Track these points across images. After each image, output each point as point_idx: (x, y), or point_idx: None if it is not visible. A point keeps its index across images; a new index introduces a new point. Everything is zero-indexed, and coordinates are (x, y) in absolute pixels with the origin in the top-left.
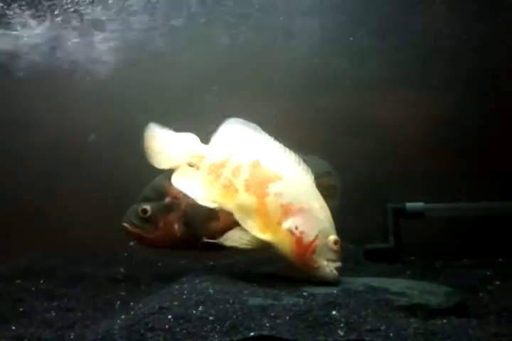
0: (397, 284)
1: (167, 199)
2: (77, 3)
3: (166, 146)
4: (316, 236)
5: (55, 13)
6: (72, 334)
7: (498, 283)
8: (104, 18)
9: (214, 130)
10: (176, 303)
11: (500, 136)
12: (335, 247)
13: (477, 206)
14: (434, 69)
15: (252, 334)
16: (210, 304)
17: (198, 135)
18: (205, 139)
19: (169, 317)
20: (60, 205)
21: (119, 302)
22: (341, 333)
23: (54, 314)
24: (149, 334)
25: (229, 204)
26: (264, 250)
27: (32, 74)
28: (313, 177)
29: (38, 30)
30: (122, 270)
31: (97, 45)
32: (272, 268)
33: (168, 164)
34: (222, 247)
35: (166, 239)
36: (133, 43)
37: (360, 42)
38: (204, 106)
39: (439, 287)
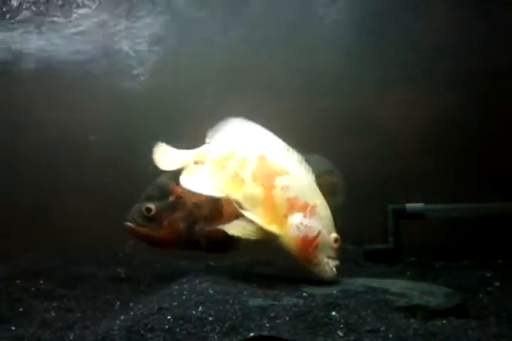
0: (396, 285)
1: (171, 198)
2: None
3: (171, 149)
4: (319, 232)
5: None
6: (72, 334)
7: (497, 284)
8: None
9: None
10: (175, 304)
11: (500, 137)
12: (335, 245)
13: (477, 207)
14: (434, 69)
15: (251, 334)
16: (209, 304)
17: None
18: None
19: (169, 317)
20: (60, 205)
21: (118, 303)
22: (341, 334)
23: (54, 314)
24: (149, 335)
25: (236, 194)
26: (265, 242)
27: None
28: (314, 176)
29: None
30: (122, 270)
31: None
32: (271, 268)
33: (174, 166)
34: (226, 249)
35: (171, 238)
36: None
37: (360, 42)
38: (203, 107)
39: (439, 288)
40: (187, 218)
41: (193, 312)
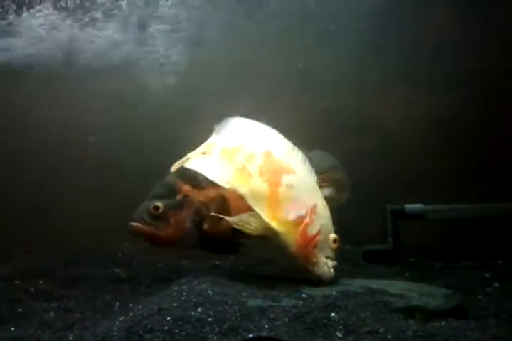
0: (395, 286)
1: (178, 197)
2: None
3: None
4: (319, 231)
5: None
6: (71, 335)
7: (497, 285)
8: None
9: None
10: (174, 305)
11: (500, 137)
12: (334, 245)
13: (477, 207)
14: (434, 69)
15: (250, 335)
16: (209, 305)
17: None
18: None
19: (168, 318)
20: (60, 205)
21: (118, 304)
22: (340, 335)
23: (53, 315)
24: (148, 336)
25: (242, 188)
26: (265, 239)
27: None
28: (316, 177)
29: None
30: (122, 271)
31: None
32: (271, 269)
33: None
34: (231, 250)
35: (177, 237)
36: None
37: (360, 42)
38: (203, 107)
39: (438, 289)
40: (194, 216)
41: (193, 313)
